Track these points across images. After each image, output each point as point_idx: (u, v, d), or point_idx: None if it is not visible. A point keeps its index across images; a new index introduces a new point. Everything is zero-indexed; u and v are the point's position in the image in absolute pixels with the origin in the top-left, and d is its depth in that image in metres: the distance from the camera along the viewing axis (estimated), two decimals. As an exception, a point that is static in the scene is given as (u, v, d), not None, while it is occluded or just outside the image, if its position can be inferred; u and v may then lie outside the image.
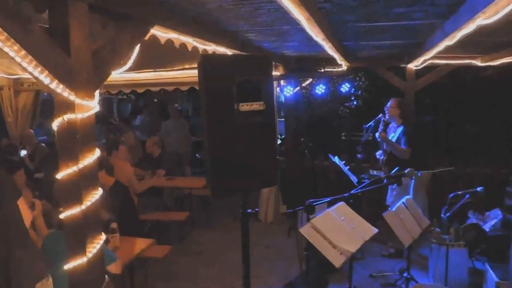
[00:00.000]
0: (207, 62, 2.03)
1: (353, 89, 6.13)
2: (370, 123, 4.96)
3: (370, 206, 5.72)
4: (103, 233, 2.02)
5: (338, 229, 2.95)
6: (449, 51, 5.08)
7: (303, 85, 6.34)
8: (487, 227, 4.69)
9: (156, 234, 4.91)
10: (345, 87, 6.13)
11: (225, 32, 3.78)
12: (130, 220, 3.96)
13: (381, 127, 4.75)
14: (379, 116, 4.90)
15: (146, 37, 2.65)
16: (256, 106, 2.06)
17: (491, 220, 4.75)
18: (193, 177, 7.18)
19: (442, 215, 4.01)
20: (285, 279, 4.28)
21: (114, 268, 2.52)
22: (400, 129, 4.66)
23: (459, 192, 3.88)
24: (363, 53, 5.82)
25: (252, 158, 2.09)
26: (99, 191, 1.97)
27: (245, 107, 2.03)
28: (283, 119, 7.05)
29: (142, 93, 7.03)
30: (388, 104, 4.76)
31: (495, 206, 4.86)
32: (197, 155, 8.08)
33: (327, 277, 4.29)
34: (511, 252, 1.86)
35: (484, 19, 2.40)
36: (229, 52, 4.13)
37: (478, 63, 5.68)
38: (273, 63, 5.79)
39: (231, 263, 4.59)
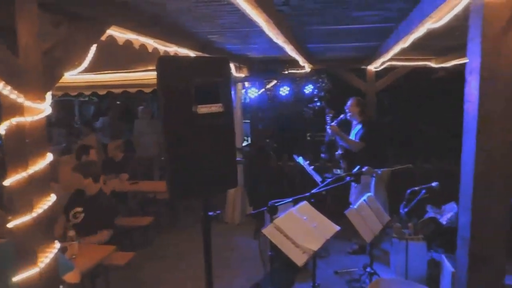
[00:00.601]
0: (164, 64, 1.99)
1: (316, 91, 6.22)
2: (333, 123, 5.06)
3: (335, 204, 5.83)
4: (57, 242, 1.93)
5: (300, 228, 2.98)
6: (405, 54, 5.27)
7: (268, 86, 6.37)
8: (443, 220, 4.89)
9: (120, 240, 4.78)
10: (308, 89, 6.22)
11: (186, 33, 3.74)
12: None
13: (328, 119, 4.91)
14: (341, 116, 5.02)
15: (103, 38, 2.57)
16: (215, 108, 2.04)
17: (448, 213, 4.96)
18: (160, 181, 7.04)
19: (400, 211, 4.15)
20: (252, 280, 4.28)
21: (71, 277, 2.42)
22: (359, 126, 4.82)
23: (416, 188, 4.02)
24: (325, 55, 5.93)
25: (211, 160, 2.07)
26: (52, 198, 1.88)
27: (203, 109, 2.00)
28: (248, 121, 7.06)
29: (105, 95, 6.81)
30: (348, 103, 4.92)
31: (451, 200, 5.08)
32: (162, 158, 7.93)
33: (293, 276, 4.32)
34: (458, 241, 1.94)
35: (432, 23, 2.50)
36: (191, 53, 4.09)
37: (432, 64, 5.94)
38: (238, 65, 5.80)
39: (197, 267, 4.50)
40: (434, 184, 3.97)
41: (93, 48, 2.41)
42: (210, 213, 2.35)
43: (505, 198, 1.80)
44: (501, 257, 1.81)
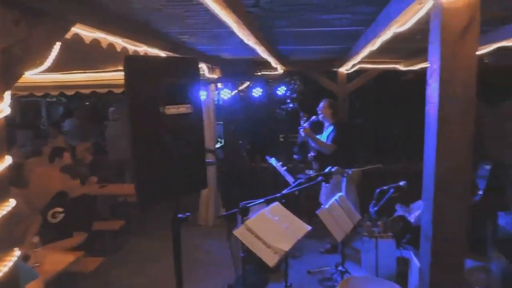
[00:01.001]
0: (131, 63, 1.97)
1: (289, 92, 6.29)
2: (306, 125, 5.12)
3: (308, 205, 5.90)
4: (17, 249, 1.86)
5: (272, 229, 3.00)
6: (375, 56, 5.40)
7: (241, 88, 6.38)
8: (412, 218, 5.03)
9: (88, 245, 4.66)
10: (281, 90, 6.27)
11: (156, 33, 3.70)
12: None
13: (302, 122, 4.96)
14: (313, 118, 5.08)
15: (68, 36, 2.50)
16: (183, 109, 2.03)
17: (415, 211, 5.11)
18: (130, 184, 6.90)
19: (370, 209, 4.24)
20: (225, 283, 4.26)
21: (34, 286, 2.34)
22: (331, 127, 4.91)
23: (385, 187, 4.12)
24: (297, 57, 6.00)
25: (180, 162, 2.06)
26: (11, 203, 1.81)
27: (171, 110, 1.99)
28: (221, 122, 7.04)
29: (74, 96, 6.60)
30: (320, 105, 5.00)
31: (420, 198, 5.22)
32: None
33: (266, 277, 4.34)
34: (421, 239, 2.02)
35: (398, 27, 2.58)
36: (162, 53, 4.05)
37: (401, 67, 6.11)
38: (210, 66, 5.77)
39: (169, 271, 4.47)
40: (401, 183, 4.08)
41: (57, 46, 2.34)
42: (180, 216, 2.33)
43: (464, 199, 1.88)
44: (461, 253, 1.89)
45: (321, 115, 5.00)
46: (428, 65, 1.97)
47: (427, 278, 1.96)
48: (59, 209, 3.64)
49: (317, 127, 5.11)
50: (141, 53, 3.70)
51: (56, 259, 3.10)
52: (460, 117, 1.82)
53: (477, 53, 4.07)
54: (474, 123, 1.89)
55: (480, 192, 5.03)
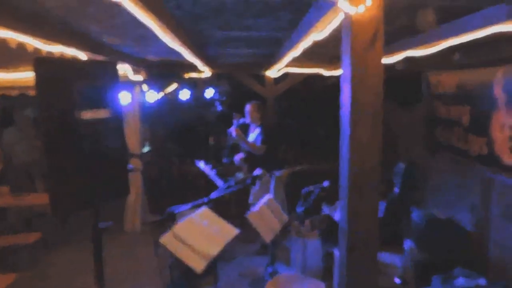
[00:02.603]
0: (42, 65, 1.87)
1: (217, 95, 6.32)
2: (235, 127, 5.19)
3: (238, 207, 5.98)
4: None
5: (200, 234, 3.00)
6: (300, 61, 5.65)
7: (168, 90, 6.28)
8: (337, 216, 5.34)
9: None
10: (209, 93, 6.29)
11: (74, 33, 3.51)
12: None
13: (235, 122, 5.05)
14: (241, 120, 5.18)
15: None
16: (101, 113, 1.97)
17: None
18: (46, 193, 6.44)
19: (297, 209, 4.42)
20: (153, 291, 4.18)
21: None
22: (258, 130, 5.04)
23: (310, 188, 4.32)
24: (225, 60, 6.06)
25: (99, 169, 1.99)
26: None
27: (88, 114, 1.92)
28: (148, 126, 6.86)
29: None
30: (247, 108, 5.11)
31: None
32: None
33: (197, 282, 4.32)
34: (339, 233, 2.18)
35: (317, 33, 2.74)
36: (81, 55, 3.85)
37: (324, 72, 6.45)
38: (135, 67, 5.60)
39: (90, 284, 4.28)
40: (325, 183, 4.31)
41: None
42: (102, 225, 2.25)
43: (375, 197, 2.07)
44: (374, 246, 2.07)
45: (248, 118, 5.12)
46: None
47: (344, 270, 2.11)
48: None
49: (244, 130, 5.21)
50: (57, 54, 3.50)
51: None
52: (369, 120, 1.99)
53: (389, 61, 4.44)
54: (382, 126, 2.07)
55: (396, 189, 5.49)
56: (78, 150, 1.90)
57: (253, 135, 5.10)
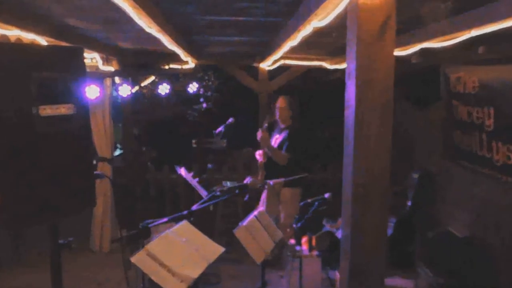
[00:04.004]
0: (-6, 52, 1.85)
1: (202, 90, 6.32)
2: (220, 128, 5.18)
3: (225, 222, 5.98)
4: None
5: (178, 253, 2.99)
6: (299, 52, 5.67)
7: (144, 84, 6.27)
8: (340, 234, 5.35)
9: None
10: (193, 87, 6.28)
11: (33, 15, 3.49)
12: None
13: (264, 126, 4.80)
14: (230, 120, 5.16)
15: None
16: (64, 109, 1.96)
17: (344, 227, 5.45)
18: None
19: (293, 225, 4.42)
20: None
21: None
22: (285, 133, 4.92)
23: (309, 200, 4.32)
24: (212, 50, 6.06)
25: (60, 175, 1.97)
26: None
27: (47, 111, 1.91)
28: (120, 125, 6.85)
29: None
30: (278, 103, 4.98)
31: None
32: None
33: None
34: (341, 254, 2.18)
35: (318, 21, 2.76)
36: (41, 40, 3.84)
37: (327, 65, 6.48)
38: (105, 56, 5.59)
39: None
40: (326, 195, 4.31)
41: None
42: (61, 241, 2.24)
43: (383, 210, 2.07)
44: (380, 268, 2.07)
45: (278, 115, 4.98)
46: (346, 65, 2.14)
47: (346, 296, 2.12)
48: None
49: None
50: (13, 39, 3.47)
51: None
52: (377, 121, 2.01)
53: (402, 54, 4.47)
54: (394, 128, 2.09)
55: (409, 203, 5.52)
56: (34, 152, 1.87)
57: (279, 137, 4.96)
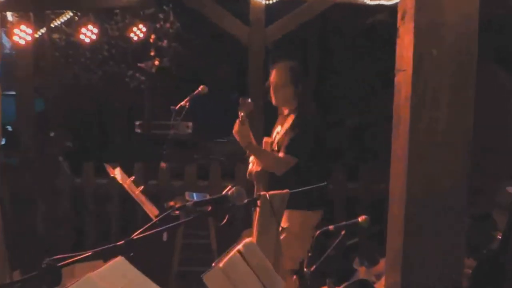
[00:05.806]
0: None
1: (153, 37, 6.32)
2: (184, 102, 5.16)
3: (188, 260, 5.99)
4: None
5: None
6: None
7: (55, 24, 6.25)
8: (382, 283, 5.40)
9: None
10: (138, 32, 6.27)
11: None
12: None
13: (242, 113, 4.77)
14: (200, 89, 5.13)
15: None
16: None
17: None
18: None
19: (304, 270, 4.44)
20: None
21: None
22: (292, 120, 4.83)
23: (329, 228, 4.31)
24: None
25: None
26: None
27: None
28: (13, 93, 6.85)
29: None
30: (272, 74, 4.88)
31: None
32: None
33: None
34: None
35: None
36: None
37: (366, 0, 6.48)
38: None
39: None
40: (360, 219, 4.30)
41: None
42: None
43: (456, 249, 2.08)
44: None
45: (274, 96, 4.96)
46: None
47: None
48: None
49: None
50: None
51: None
52: (449, 96, 1.99)
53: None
54: (475, 110, 2.08)
55: (499, 237, 5.56)
56: None
57: (280, 130, 4.92)
